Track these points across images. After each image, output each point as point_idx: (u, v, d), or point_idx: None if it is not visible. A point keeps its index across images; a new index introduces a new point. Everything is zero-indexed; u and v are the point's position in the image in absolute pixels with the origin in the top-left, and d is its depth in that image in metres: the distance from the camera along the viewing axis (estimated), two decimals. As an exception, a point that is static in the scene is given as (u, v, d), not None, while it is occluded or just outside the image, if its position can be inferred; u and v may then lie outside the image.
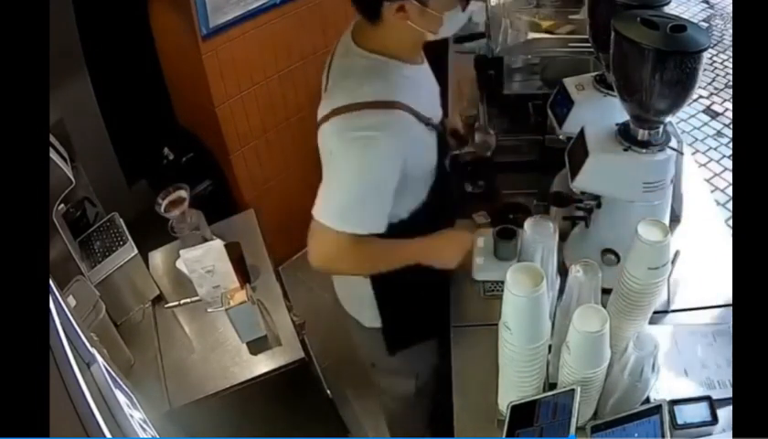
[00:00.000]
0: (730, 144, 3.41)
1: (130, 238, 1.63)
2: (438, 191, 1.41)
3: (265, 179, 2.55)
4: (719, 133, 3.54)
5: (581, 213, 1.44)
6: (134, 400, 0.85)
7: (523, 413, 1.10)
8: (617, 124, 1.29)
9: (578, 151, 1.31)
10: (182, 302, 1.64)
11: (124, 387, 0.83)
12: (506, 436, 1.09)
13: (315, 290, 1.56)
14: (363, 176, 1.22)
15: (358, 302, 1.55)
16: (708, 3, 4.70)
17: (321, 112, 1.27)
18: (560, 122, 1.51)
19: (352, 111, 1.19)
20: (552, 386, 1.14)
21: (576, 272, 1.07)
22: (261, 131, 2.43)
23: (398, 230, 1.32)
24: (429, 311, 1.47)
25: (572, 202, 1.46)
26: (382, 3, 1.18)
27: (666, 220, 1.34)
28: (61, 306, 0.69)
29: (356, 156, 1.21)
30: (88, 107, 2.45)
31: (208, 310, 1.59)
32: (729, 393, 1.18)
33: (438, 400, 1.76)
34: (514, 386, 1.12)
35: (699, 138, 3.52)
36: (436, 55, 2.68)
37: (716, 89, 3.85)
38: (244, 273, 1.65)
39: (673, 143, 1.26)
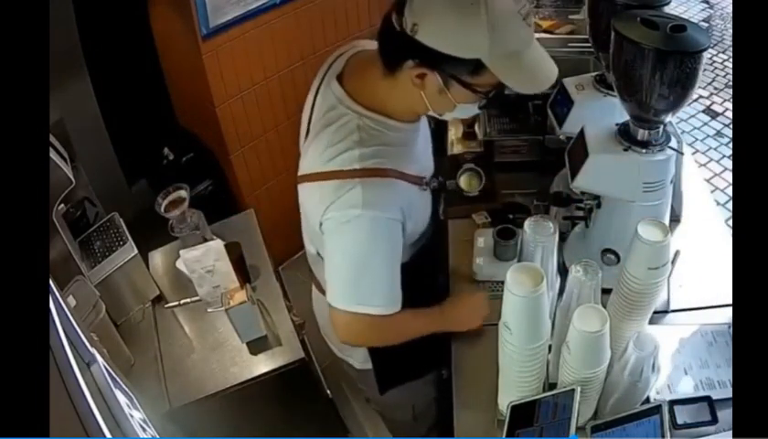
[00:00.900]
0: (730, 144, 3.41)
1: (130, 238, 1.62)
2: (431, 239, 1.37)
3: (265, 179, 2.55)
4: (719, 134, 3.54)
5: (581, 213, 1.44)
6: (134, 400, 0.85)
7: (523, 413, 1.10)
8: (617, 124, 1.29)
9: (578, 151, 1.31)
10: (182, 302, 1.64)
11: (124, 387, 0.83)
12: (506, 436, 1.09)
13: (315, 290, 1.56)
14: (362, 256, 1.15)
15: (354, 348, 1.48)
16: (708, 3, 4.70)
17: (306, 165, 1.20)
18: (560, 122, 1.51)
19: (340, 179, 1.11)
20: (552, 386, 1.14)
21: (576, 272, 1.07)
22: (261, 131, 2.43)
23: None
24: (421, 351, 1.40)
25: (572, 202, 1.46)
26: (404, 61, 1.07)
27: (666, 220, 1.34)
28: (61, 306, 0.69)
29: (349, 238, 1.13)
30: (88, 107, 2.44)
31: (208, 310, 1.59)
32: (729, 393, 1.18)
33: (439, 418, 1.73)
34: (514, 386, 1.12)
35: (699, 138, 3.52)
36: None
37: (716, 89, 3.85)
38: (244, 273, 1.65)
39: (673, 143, 1.26)
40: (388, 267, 1.17)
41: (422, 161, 1.28)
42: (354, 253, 1.15)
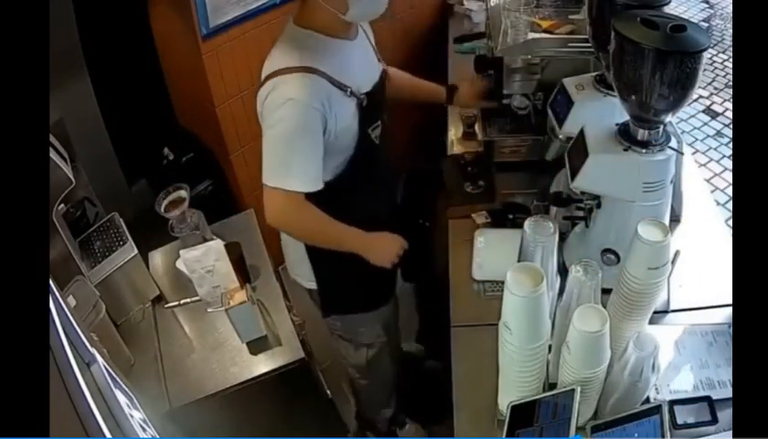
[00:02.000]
0: (730, 144, 3.42)
1: (130, 238, 1.62)
2: (363, 161, 1.50)
3: (265, 179, 2.55)
4: (719, 134, 3.54)
5: (581, 213, 1.44)
6: (134, 400, 0.85)
7: (523, 413, 1.10)
8: (617, 124, 1.29)
9: (578, 151, 1.31)
10: (182, 302, 1.64)
11: (124, 387, 0.83)
12: (506, 436, 1.09)
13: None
14: (288, 136, 1.36)
15: (298, 262, 1.66)
16: (708, 3, 4.71)
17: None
18: (560, 122, 1.51)
19: (277, 76, 1.34)
20: (552, 386, 1.14)
21: (576, 272, 1.07)
22: (261, 131, 2.43)
23: (325, 196, 1.42)
24: (366, 281, 1.58)
25: (572, 202, 1.46)
26: None
27: (666, 220, 1.34)
28: (61, 306, 0.69)
29: (279, 118, 1.34)
30: (88, 107, 2.44)
31: (208, 310, 1.59)
32: (729, 393, 1.18)
33: (398, 373, 1.93)
34: (514, 386, 1.12)
35: (699, 138, 3.52)
36: (436, 55, 2.69)
37: (716, 89, 3.86)
38: (244, 273, 1.65)
39: (673, 143, 1.26)
40: (312, 149, 1.38)
41: (357, 75, 1.46)
42: (284, 133, 1.36)
